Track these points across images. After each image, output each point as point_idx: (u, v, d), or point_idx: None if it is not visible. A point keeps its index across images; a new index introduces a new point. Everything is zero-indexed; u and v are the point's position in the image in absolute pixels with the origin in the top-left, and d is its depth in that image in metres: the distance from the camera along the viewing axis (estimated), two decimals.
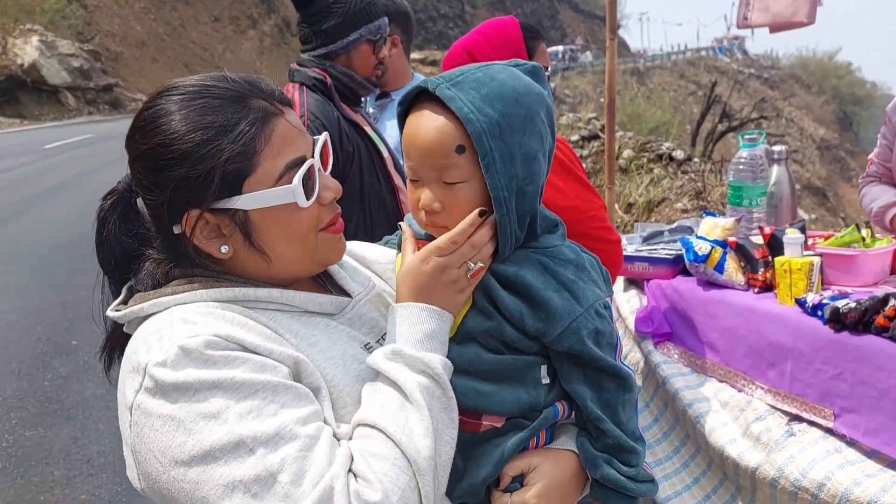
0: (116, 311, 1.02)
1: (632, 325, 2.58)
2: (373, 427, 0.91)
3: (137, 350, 0.93)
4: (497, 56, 2.09)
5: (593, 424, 1.03)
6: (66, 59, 26.27)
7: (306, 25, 2.33)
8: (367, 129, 2.39)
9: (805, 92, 54.28)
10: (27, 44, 25.39)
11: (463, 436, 1.00)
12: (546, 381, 1.03)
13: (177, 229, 0.99)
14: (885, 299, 1.83)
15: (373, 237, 1.53)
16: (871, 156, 2.65)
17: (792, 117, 41.10)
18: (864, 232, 2.17)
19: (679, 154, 7.58)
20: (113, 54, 31.08)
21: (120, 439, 3.28)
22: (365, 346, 1.04)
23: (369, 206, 2.29)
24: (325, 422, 0.94)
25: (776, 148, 2.55)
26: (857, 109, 54.79)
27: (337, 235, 1.06)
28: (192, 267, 1.02)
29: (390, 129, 2.80)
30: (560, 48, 46.09)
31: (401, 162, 2.76)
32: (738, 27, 3.29)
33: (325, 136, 1.07)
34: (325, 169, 1.06)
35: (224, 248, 0.99)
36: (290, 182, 0.98)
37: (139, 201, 1.05)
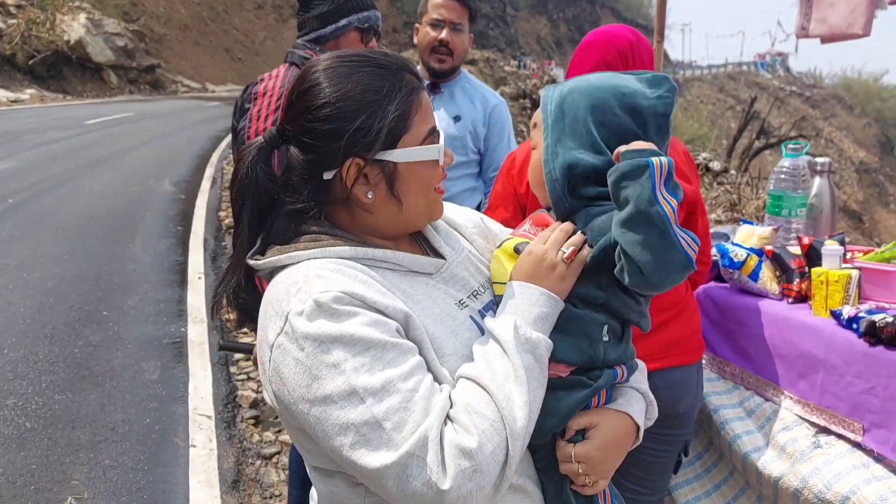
0: (256, 260, 1.17)
1: None
2: (483, 388, 1.07)
3: (280, 298, 1.10)
4: (645, 61, 2.12)
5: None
6: (112, 38, 26.69)
7: (303, 11, 2.46)
8: None
9: (847, 113, 53.39)
10: (74, 20, 25.84)
11: None
12: (606, 339, 1.17)
13: (327, 175, 1.15)
14: None
15: None
16: None
17: (832, 138, 40.47)
18: None
19: (716, 165, 7.51)
20: (157, 35, 31.54)
21: (142, 409, 3.38)
22: (459, 302, 1.21)
23: None
24: (430, 367, 1.10)
25: (819, 160, 2.52)
26: None
27: (442, 195, 1.25)
28: (319, 222, 1.18)
29: (439, 122, 2.83)
30: None
31: None
32: (797, 37, 3.27)
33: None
34: None
35: (370, 194, 1.16)
36: (431, 144, 1.18)
37: (292, 150, 1.17)
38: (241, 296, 1.21)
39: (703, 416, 2.35)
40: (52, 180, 9.95)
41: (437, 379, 1.10)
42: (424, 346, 1.11)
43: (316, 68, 1.17)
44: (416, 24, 2.91)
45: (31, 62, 23.86)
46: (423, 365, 1.09)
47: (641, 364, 1.33)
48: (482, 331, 1.19)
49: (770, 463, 2.05)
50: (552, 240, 1.18)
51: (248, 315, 1.21)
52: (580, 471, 1.16)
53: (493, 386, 1.06)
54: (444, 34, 2.78)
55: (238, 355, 4.75)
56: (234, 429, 3.97)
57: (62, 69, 25.24)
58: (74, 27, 25.72)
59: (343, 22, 2.40)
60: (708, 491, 2.31)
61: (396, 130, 1.14)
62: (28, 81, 23.75)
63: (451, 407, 1.06)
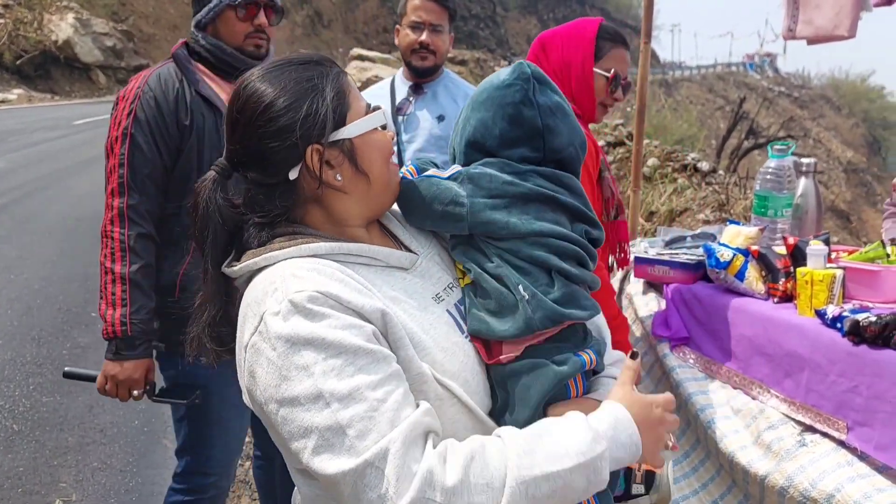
0: (231, 267, 1.18)
1: (649, 328, 2.58)
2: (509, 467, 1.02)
3: (258, 300, 1.10)
4: (564, 49, 2.17)
5: None
6: (100, 38, 26.48)
7: None
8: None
9: (835, 113, 53.66)
10: (62, 20, 25.63)
11: (497, 370, 1.21)
12: (525, 296, 1.19)
13: (293, 175, 1.17)
14: None
15: None
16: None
17: (820, 138, 40.69)
18: (890, 249, 2.17)
19: (704, 165, 7.53)
20: (145, 35, 31.33)
21: (131, 411, 3.36)
22: (435, 296, 1.24)
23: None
24: (409, 365, 1.10)
25: (805, 160, 2.54)
26: (886, 134, 53.80)
27: (398, 170, 1.29)
28: (293, 224, 1.20)
29: (423, 122, 2.82)
30: None
31: (428, 152, 2.79)
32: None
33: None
34: None
35: (338, 177, 1.18)
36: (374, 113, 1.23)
37: (249, 172, 1.20)
38: (218, 329, 1.20)
39: (690, 415, 2.36)
40: (40, 181, 9.89)
41: (415, 376, 1.10)
42: (403, 343, 1.12)
43: (245, 82, 1.20)
44: (397, 26, 2.91)
45: (18, 62, 23.67)
46: (398, 375, 1.08)
47: (619, 354, 1.36)
48: (458, 324, 1.23)
49: (756, 461, 2.06)
50: (674, 420, 1.20)
51: (228, 348, 1.19)
52: None
53: (521, 470, 1.02)
54: (424, 36, 2.78)
55: None
56: None
57: (50, 69, 25.04)
58: (62, 27, 25.51)
59: (214, 1, 2.32)
60: (695, 489, 2.33)
61: (341, 108, 1.19)
62: (16, 81, 23.56)
63: (438, 435, 1.05)
